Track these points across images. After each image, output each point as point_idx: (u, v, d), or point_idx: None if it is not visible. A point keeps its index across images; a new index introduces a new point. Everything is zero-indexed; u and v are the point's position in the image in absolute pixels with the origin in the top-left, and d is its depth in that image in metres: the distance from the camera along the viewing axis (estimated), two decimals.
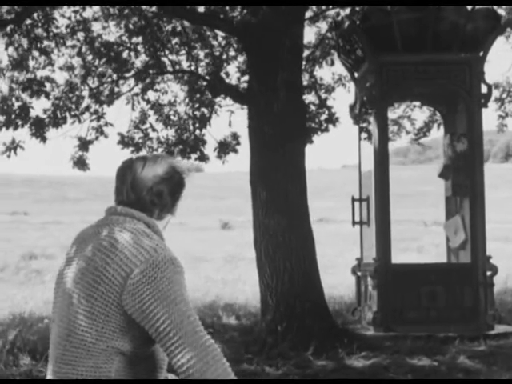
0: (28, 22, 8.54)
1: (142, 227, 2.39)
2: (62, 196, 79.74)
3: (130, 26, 9.30)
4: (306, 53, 12.28)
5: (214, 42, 10.63)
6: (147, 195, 2.44)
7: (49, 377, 2.37)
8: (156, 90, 10.65)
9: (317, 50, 11.56)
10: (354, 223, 9.68)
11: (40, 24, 8.61)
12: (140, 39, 9.96)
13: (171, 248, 2.38)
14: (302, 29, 8.68)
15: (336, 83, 12.12)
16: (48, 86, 9.45)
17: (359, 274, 9.66)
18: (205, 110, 11.22)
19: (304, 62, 12.36)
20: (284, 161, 8.08)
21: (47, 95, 9.41)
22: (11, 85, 9.39)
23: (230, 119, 10.78)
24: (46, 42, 9.00)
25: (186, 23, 9.70)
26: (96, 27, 9.65)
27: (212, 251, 21.38)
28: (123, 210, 2.43)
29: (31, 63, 9.30)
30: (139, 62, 10.15)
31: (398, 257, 12.58)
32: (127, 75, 10.18)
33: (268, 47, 7.98)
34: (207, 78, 9.99)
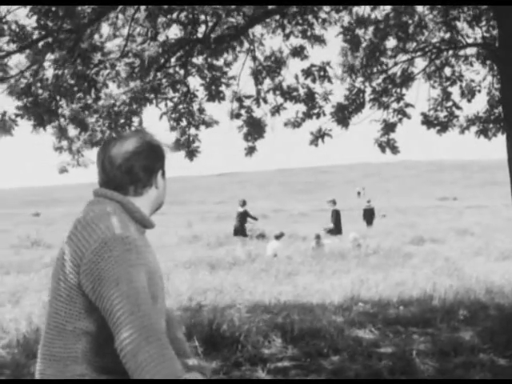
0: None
1: (111, 207, 2.38)
2: (493, 180, 78.29)
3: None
4: None
5: None
6: (117, 173, 2.41)
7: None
8: (452, 66, 10.32)
9: None
10: None
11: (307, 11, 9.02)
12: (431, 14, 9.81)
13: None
14: None
15: None
16: (330, 71, 9.76)
17: None
18: None
19: None
20: None
21: (330, 80, 9.79)
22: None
23: None
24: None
25: None
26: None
27: None
28: (99, 191, 2.45)
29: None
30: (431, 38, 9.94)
31: None
32: (419, 54, 10.10)
33: None
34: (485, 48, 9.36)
